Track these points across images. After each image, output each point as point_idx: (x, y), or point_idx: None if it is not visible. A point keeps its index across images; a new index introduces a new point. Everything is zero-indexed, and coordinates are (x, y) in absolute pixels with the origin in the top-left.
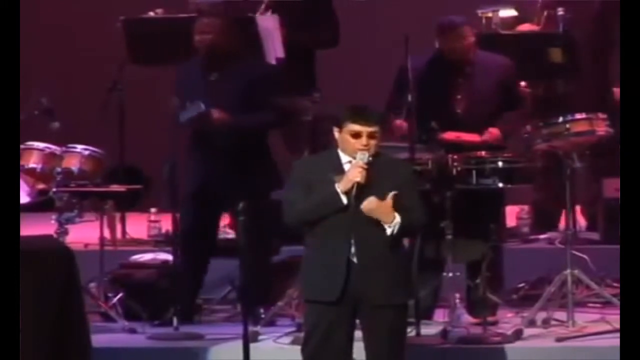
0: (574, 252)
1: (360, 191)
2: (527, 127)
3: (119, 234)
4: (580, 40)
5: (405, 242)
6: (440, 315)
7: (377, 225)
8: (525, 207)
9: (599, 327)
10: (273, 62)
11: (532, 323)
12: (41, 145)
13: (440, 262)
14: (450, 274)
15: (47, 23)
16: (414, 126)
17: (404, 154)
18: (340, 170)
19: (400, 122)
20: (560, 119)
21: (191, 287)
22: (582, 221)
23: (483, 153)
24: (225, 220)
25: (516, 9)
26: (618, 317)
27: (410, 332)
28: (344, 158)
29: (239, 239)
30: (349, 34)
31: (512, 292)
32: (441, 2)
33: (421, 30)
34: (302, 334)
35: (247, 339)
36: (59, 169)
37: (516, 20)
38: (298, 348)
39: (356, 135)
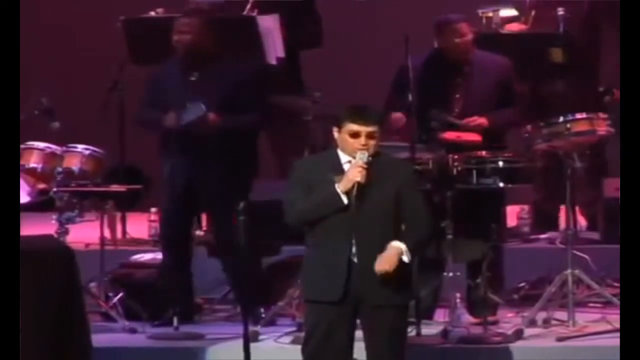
0: (575, 251)
1: (361, 191)
2: (528, 127)
3: (119, 234)
4: None
5: None
6: (440, 315)
7: (378, 225)
8: (526, 207)
9: (600, 327)
10: (273, 62)
11: (532, 323)
12: (42, 145)
13: (440, 262)
14: (451, 274)
15: (47, 23)
16: (415, 126)
17: (404, 154)
18: (340, 170)
19: (398, 115)
20: (561, 119)
21: (187, 287)
22: (582, 221)
23: (483, 153)
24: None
25: (516, 9)
26: (619, 316)
27: (411, 332)
28: (344, 158)
29: (237, 239)
30: (349, 34)
31: (513, 291)
32: (441, 2)
33: (421, 30)
34: (302, 334)
35: (248, 339)
36: (59, 169)
37: (506, 21)
38: (298, 348)
39: (355, 135)
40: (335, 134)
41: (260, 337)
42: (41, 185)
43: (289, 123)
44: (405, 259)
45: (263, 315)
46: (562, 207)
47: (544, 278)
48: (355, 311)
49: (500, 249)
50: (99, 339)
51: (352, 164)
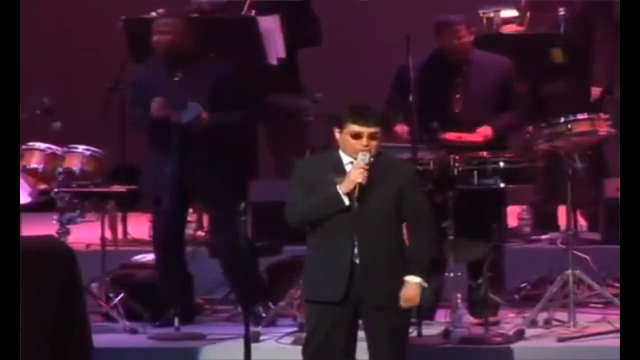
0: (576, 252)
1: (362, 191)
2: (529, 128)
3: (120, 234)
4: None
5: (407, 242)
6: (441, 315)
7: (380, 225)
8: (527, 207)
9: (601, 327)
10: (274, 62)
11: (533, 323)
12: (42, 145)
13: (441, 262)
14: (452, 274)
15: (47, 23)
16: (415, 126)
17: (405, 154)
18: (341, 171)
19: (401, 127)
20: (562, 119)
21: (187, 288)
22: (583, 221)
23: (485, 153)
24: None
25: (517, 9)
26: (619, 317)
27: (412, 332)
28: (345, 159)
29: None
30: (349, 34)
31: (514, 292)
32: (441, 2)
33: (421, 30)
34: (303, 334)
35: (249, 339)
36: (60, 169)
37: (507, 22)
38: (299, 348)
39: (357, 136)
40: (337, 135)
41: (261, 337)
42: (42, 186)
43: (289, 123)
44: (424, 284)
45: (263, 315)
46: (562, 208)
47: (544, 278)
48: (356, 312)
49: (501, 249)
50: (99, 340)
51: (354, 165)
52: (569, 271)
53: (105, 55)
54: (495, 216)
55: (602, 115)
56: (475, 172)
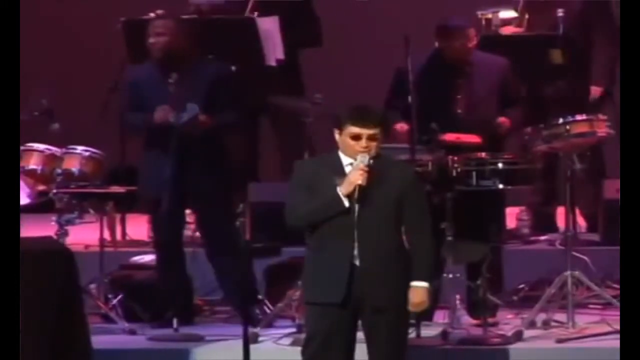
0: (574, 253)
1: (363, 193)
2: (528, 129)
3: (119, 235)
4: None
5: (407, 244)
6: (440, 316)
7: (380, 227)
8: (525, 208)
9: (599, 328)
10: (273, 63)
11: (532, 324)
12: (41, 146)
13: (440, 264)
14: (451, 275)
15: (47, 23)
16: (414, 128)
17: (404, 155)
18: (341, 173)
19: (401, 126)
20: (561, 120)
21: (186, 289)
22: (582, 222)
23: (483, 154)
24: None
25: (516, 10)
26: (618, 318)
27: (411, 333)
28: (345, 160)
29: (237, 240)
30: (349, 34)
31: (513, 293)
32: (441, 2)
33: (421, 30)
34: (302, 335)
35: (247, 340)
36: (59, 170)
37: (506, 23)
38: (298, 349)
39: (356, 137)
40: (337, 136)
41: (260, 338)
42: (41, 187)
43: (292, 124)
44: (430, 287)
45: (260, 317)
46: (561, 209)
47: (543, 279)
48: (356, 313)
49: (500, 250)
50: (98, 341)
51: (353, 167)
52: (568, 272)
53: (104, 57)
54: (494, 217)
55: (601, 117)
56: (474, 173)
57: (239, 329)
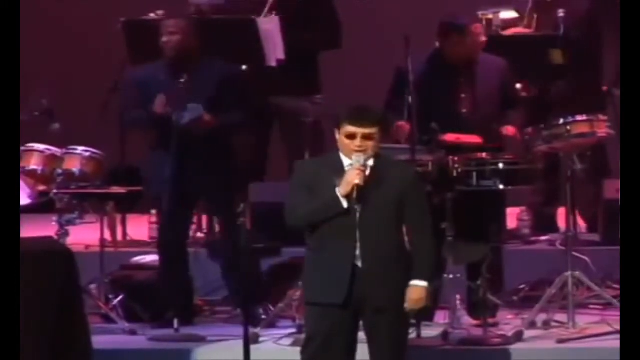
0: (575, 253)
1: (362, 193)
2: (528, 129)
3: (119, 236)
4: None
5: (407, 244)
6: (441, 316)
7: (381, 227)
8: (526, 209)
9: (600, 328)
10: (273, 63)
11: (532, 325)
12: (42, 146)
13: (441, 264)
14: (451, 276)
15: (47, 23)
16: (415, 128)
17: (404, 156)
18: (341, 173)
19: (402, 124)
20: (561, 121)
21: (188, 290)
22: (582, 223)
23: (484, 155)
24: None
25: (517, 11)
26: (619, 318)
27: (411, 333)
28: (346, 161)
29: (237, 240)
30: (349, 34)
31: (513, 293)
32: (442, 2)
33: (421, 30)
34: (302, 336)
35: (248, 341)
36: (59, 171)
37: (507, 23)
38: (299, 349)
39: (351, 136)
40: (337, 136)
41: (261, 339)
42: (41, 187)
43: (302, 124)
44: (430, 287)
45: (264, 317)
46: (562, 209)
47: (544, 280)
48: (356, 314)
49: (500, 250)
50: (99, 341)
51: (350, 167)
52: (568, 272)
53: (104, 57)
54: (495, 218)
55: (601, 117)
56: (474, 174)
57: (239, 330)
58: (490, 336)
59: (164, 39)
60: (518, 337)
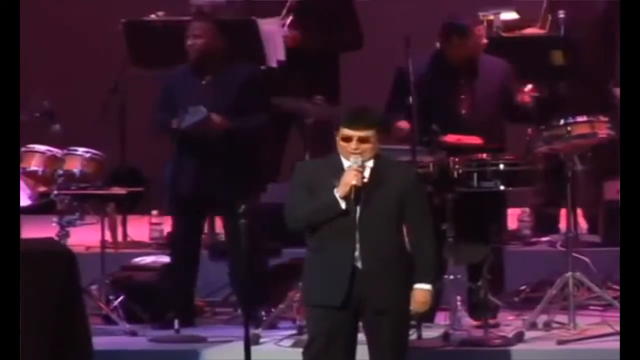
0: (575, 254)
1: (362, 194)
2: (528, 130)
3: (120, 237)
4: (584, 42)
5: (408, 245)
6: (441, 317)
7: (381, 228)
8: (527, 210)
9: (600, 329)
10: (274, 64)
11: (533, 325)
12: (42, 147)
13: (441, 265)
14: (452, 277)
15: (47, 24)
16: (415, 128)
17: (405, 157)
18: (341, 174)
19: (402, 123)
20: (562, 122)
21: (188, 290)
22: (583, 224)
23: (484, 155)
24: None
25: (517, 12)
26: (619, 319)
27: (412, 335)
28: (346, 162)
29: (234, 242)
30: None
31: (514, 294)
32: (442, 2)
33: (422, 31)
34: (303, 337)
35: (249, 342)
36: (60, 172)
37: (520, 24)
38: (299, 350)
39: (347, 139)
40: (337, 138)
41: (261, 339)
42: (42, 188)
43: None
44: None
45: (265, 318)
46: (564, 210)
47: (544, 281)
48: (357, 315)
49: (501, 251)
50: (99, 342)
51: (347, 169)
52: (569, 273)
53: (104, 57)
54: (495, 218)
55: (602, 118)
56: (475, 175)
57: (240, 330)
58: (490, 337)
59: (189, 42)
60: (519, 338)
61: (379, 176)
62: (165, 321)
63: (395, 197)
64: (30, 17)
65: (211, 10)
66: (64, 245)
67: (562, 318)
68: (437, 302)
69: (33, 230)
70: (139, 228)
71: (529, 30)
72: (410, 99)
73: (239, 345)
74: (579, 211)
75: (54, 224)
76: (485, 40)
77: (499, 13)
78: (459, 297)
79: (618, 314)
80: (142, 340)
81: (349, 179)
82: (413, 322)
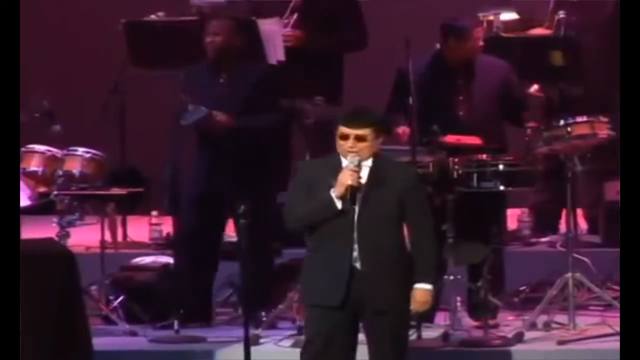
0: (575, 255)
1: (359, 194)
2: (528, 131)
3: (120, 237)
4: (592, 43)
5: (408, 245)
6: (441, 318)
7: (380, 228)
8: (527, 210)
9: (600, 330)
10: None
11: (533, 326)
12: (42, 148)
13: (441, 265)
14: (452, 277)
15: (47, 24)
16: (415, 129)
17: (405, 157)
18: (339, 174)
19: (402, 130)
20: (562, 122)
21: (198, 289)
22: (583, 224)
23: (484, 156)
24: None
25: (518, 12)
26: (619, 320)
27: (412, 335)
28: (345, 162)
29: (240, 242)
30: None
31: (513, 294)
32: (442, 3)
33: (421, 31)
34: (303, 337)
35: (248, 342)
36: (60, 172)
37: (525, 24)
38: (299, 351)
39: (344, 137)
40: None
41: (261, 340)
42: (42, 189)
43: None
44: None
45: (264, 318)
46: (563, 210)
47: (544, 281)
48: (356, 315)
49: (500, 252)
50: (99, 342)
51: (344, 169)
52: (569, 274)
53: (104, 57)
54: (495, 219)
55: (602, 118)
56: (475, 175)
57: (240, 331)
58: (490, 337)
59: (208, 39)
60: (518, 338)
61: (379, 176)
62: (167, 321)
63: (395, 197)
64: (30, 17)
65: (211, 10)
66: (64, 245)
67: (562, 318)
68: (437, 302)
69: (33, 230)
70: (138, 228)
71: (536, 31)
72: (411, 100)
73: (239, 346)
74: (579, 212)
75: (54, 224)
76: (482, 43)
77: (499, 13)
78: (458, 298)
79: (618, 315)
80: (142, 340)
81: (345, 179)
82: (413, 322)
